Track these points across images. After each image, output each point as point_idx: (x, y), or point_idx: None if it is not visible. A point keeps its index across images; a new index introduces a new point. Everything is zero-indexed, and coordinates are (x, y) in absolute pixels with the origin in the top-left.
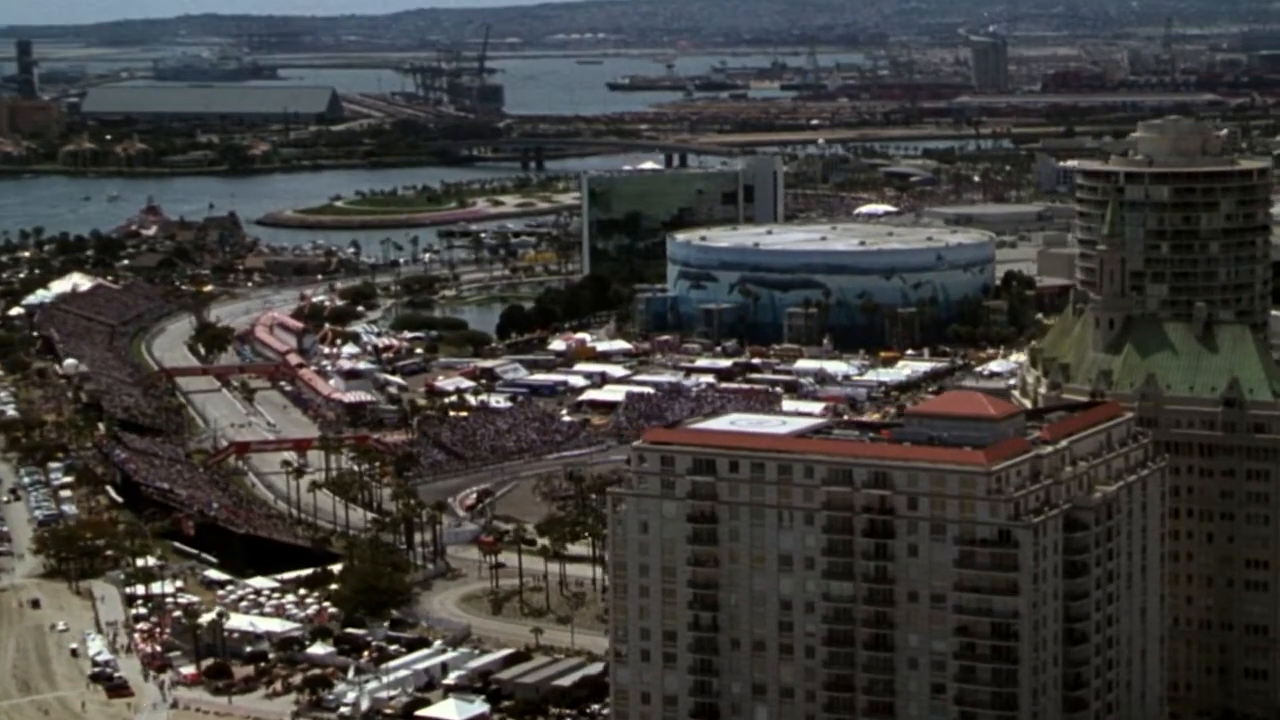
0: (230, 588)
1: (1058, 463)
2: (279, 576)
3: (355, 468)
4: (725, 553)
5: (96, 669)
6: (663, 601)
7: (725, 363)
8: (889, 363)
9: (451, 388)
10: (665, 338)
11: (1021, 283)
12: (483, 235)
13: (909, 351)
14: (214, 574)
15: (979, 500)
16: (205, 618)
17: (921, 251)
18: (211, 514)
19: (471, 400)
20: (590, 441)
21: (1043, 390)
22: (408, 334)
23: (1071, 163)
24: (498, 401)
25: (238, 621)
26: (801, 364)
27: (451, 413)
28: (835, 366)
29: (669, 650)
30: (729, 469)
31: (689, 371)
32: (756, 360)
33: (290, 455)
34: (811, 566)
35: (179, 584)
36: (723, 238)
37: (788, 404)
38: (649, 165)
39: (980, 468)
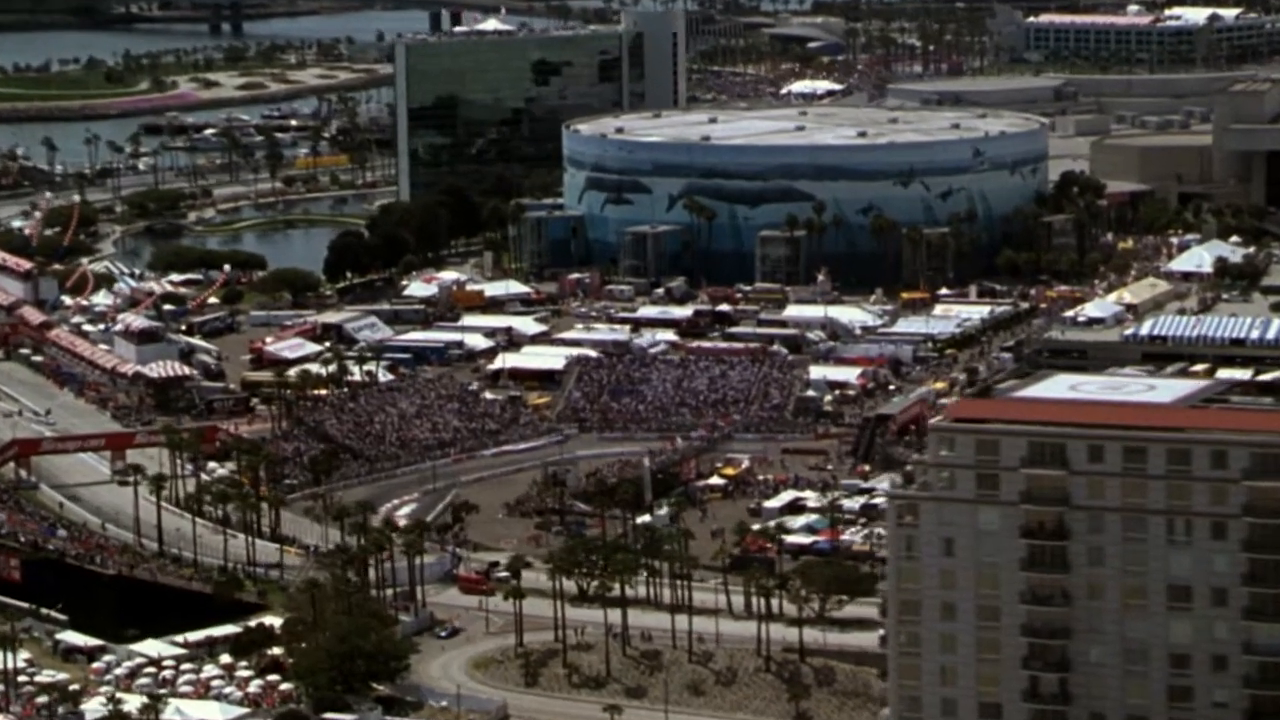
0: (108, 658)
1: None
2: (180, 638)
3: (203, 474)
4: (1081, 583)
5: None
6: (979, 658)
7: (681, 311)
8: (916, 306)
9: (290, 354)
10: (579, 276)
11: (1087, 188)
12: (238, 133)
13: (943, 290)
14: (73, 637)
15: None
16: (131, 704)
17: (950, 145)
18: (53, 549)
19: (356, 373)
20: (538, 429)
21: None
22: (175, 276)
23: (1044, 18)
24: (384, 374)
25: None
26: (793, 311)
27: (315, 391)
28: (845, 314)
29: None
30: (1088, 457)
31: (634, 325)
32: (725, 308)
33: (90, 457)
34: (1223, 602)
35: (25, 655)
36: (649, 128)
37: (820, 371)
38: (493, 25)
39: None
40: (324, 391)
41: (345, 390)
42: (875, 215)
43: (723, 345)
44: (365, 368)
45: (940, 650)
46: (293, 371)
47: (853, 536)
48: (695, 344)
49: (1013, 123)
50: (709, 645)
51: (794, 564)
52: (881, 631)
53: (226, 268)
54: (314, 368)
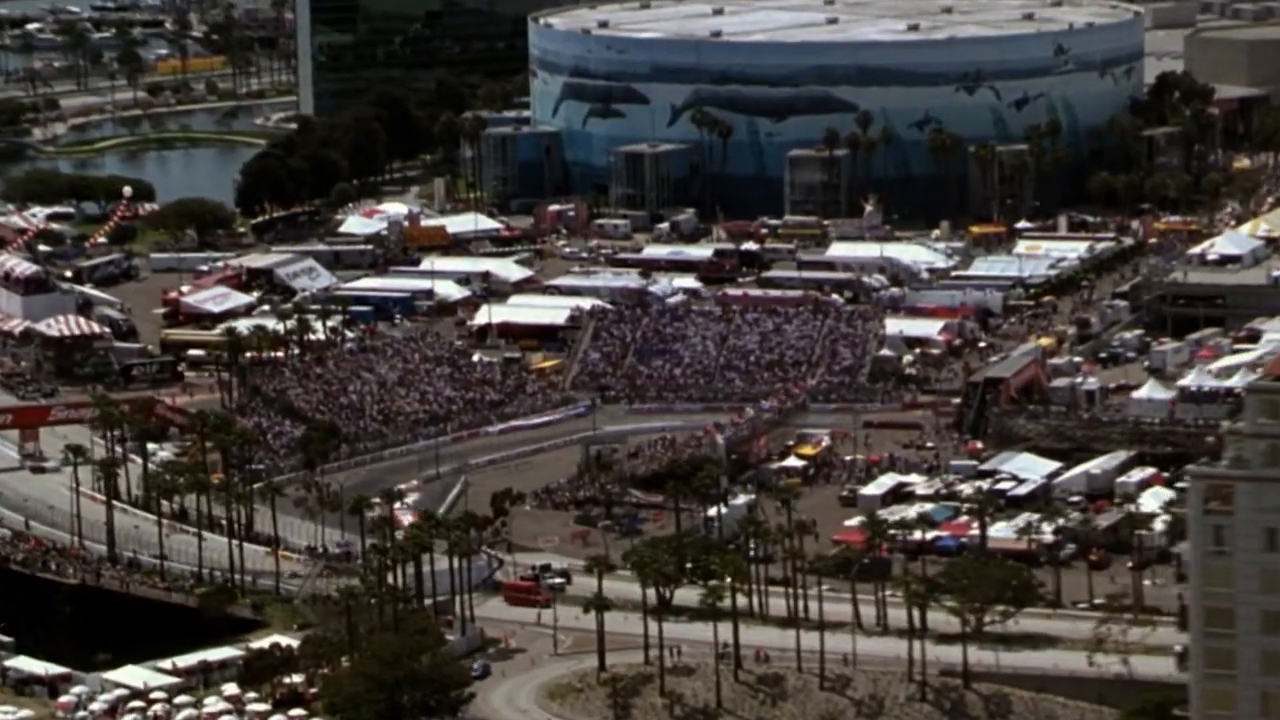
0: (78, 689)
1: None
2: (168, 664)
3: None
4: None
5: None
6: None
7: (698, 251)
8: (990, 242)
9: (214, 306)
10: (561, 208)
11: (1191, 94)
12: (83, 28)
13: (1022, 223)
14: (27, 664)
15: None
16: None
17: (1025, 41)
18: None
19: (319, 330)
20: (551, 400)
21: None
22: (39, 208)
23: None
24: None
25: None
26: (839, 250)
27: (270, 353)
28: (905, 253)
29: None
30: None
31: (644, 269)
32: (752, 246)
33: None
34: None
35: None
36: (641, 22)
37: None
38: None
39: None
40: (279, 354)
41: (309, 353)
42: (934, 129)
43: (775, 294)
44: (329, 323)
45: (1260, 671)
46: (242, 327)
47: (1000, 530)
48: (741, 292)
49: (1099, 12)
50: (844, 668)
51: (920, 566)
52: (1177, 647)
53: (127, 191)
54: (271, 324)
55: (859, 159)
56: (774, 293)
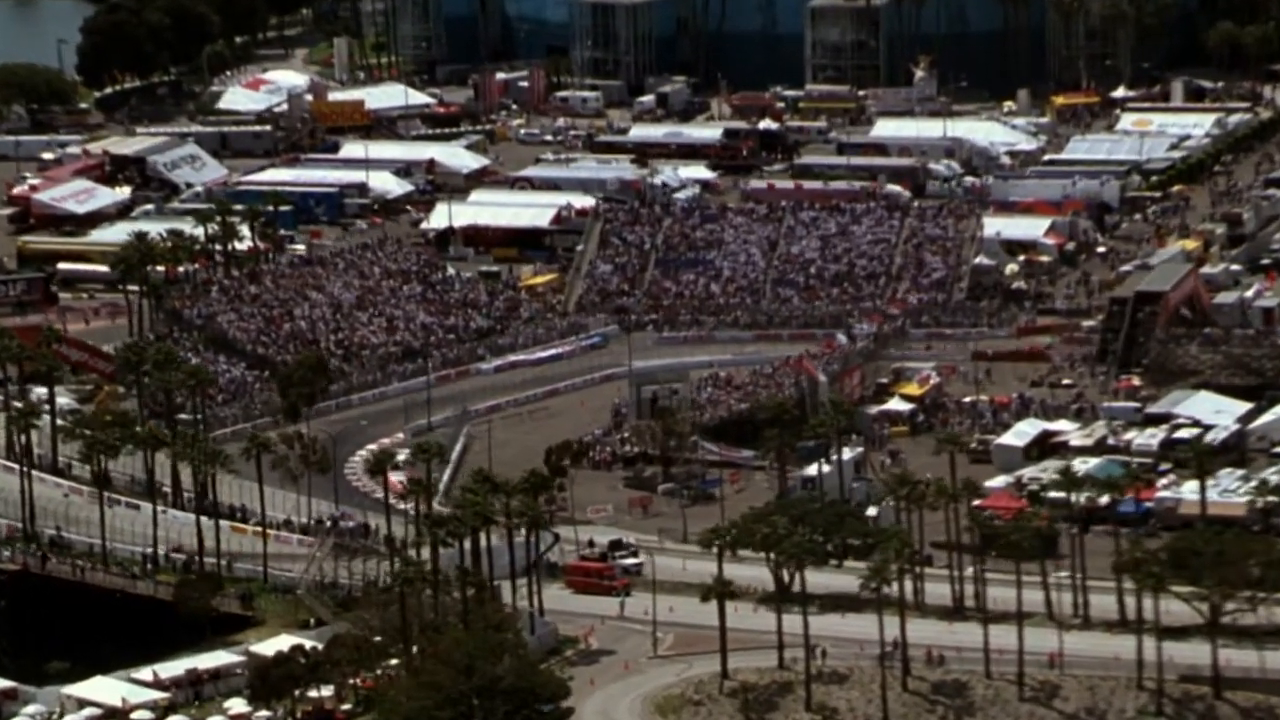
0: (33, 709)
1: None
2: (147, 673)
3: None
4: None
5: None
6: None
7: (702, 132)
8: (1080, 116)
9: (78, 206)
10: (509, 77)
11: None
12: None
13: (1120, 91)
14: None
15: None
16: None
17: None
18: None
19: (248, 237)
20: (556, 328)
21: None
22: None
23: None
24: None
25: None
26: (887, 129)
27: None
28: (976, 131)
29: None
30: None
31: (638, 155)
32: (772, 125)
33: None
34: None
35: None
36: None
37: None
38: None
39: None
40: (199, 268)
41: (240, 267)
42: None
43: (839, 186)
44: (258, 224)
45: None
46: (165, 237)
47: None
48: (793, 184)
49: None
50: (1048, 672)
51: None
52: None
53: None
54: (188, 229)
55: (904, 10)
56: (838, 185)
